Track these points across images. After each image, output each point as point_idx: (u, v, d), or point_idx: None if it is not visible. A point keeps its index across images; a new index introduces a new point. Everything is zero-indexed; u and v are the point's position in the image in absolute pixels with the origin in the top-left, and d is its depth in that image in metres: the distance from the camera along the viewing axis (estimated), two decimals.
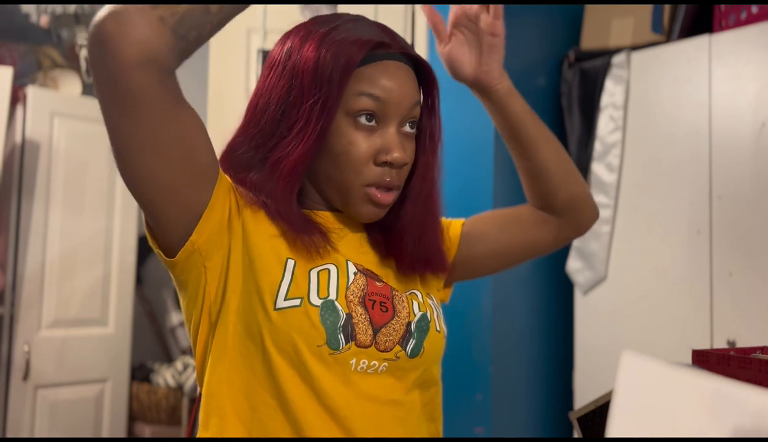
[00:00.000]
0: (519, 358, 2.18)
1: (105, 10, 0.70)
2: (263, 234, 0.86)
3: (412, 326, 0.89)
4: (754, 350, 0.98)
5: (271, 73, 0.90)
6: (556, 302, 2.28)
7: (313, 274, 0.86)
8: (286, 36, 0.92)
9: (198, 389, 0.91)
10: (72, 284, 2.72)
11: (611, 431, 0.44)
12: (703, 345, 1.84)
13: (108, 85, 0.71)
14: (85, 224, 2.77)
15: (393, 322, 0.88)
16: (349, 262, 0.89)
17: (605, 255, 2.10)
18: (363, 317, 0.85)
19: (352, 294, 0.86)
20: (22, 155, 2.63)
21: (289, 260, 0.85)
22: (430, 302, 0.96)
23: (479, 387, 2.05)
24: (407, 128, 0.90)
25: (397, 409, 0.88)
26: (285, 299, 0.82)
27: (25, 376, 2.58)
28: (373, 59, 0.87)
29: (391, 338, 0.87)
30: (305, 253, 0.87)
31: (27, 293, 2.61)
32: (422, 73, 0.94)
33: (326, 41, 0.87)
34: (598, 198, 2.12)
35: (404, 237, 0.95)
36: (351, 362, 0.84)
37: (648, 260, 2.02)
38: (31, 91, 2.66)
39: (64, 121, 2.72)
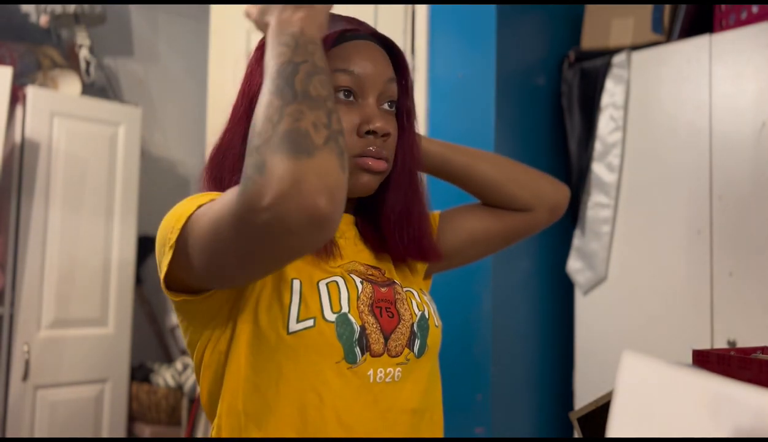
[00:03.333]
0: (519, 358, 2.18)
1: (320, 182, 0.63)
2: None
3: (415, 327, 0.91)
4: (754, 350, 0.98)
5: (252, 72, 0.90)
6: (556, 302, 2.28)
7: (323, 287, 0.85)
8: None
9: (208, 419, 0.90)
10: (72, 284, 2.72)
11: (611, 431, 0.44)
12: (703, 345, 1.84)
13: (287, 244, 0.67)
14: (85, 224, 2.77)
15: (400, 326, 0.89)
16: (352, 274, 0.89)
17: (605, 255, 2.10)
18: (374, 326, 0.86)
19: (362, 304, 0.86)
20: (21, 155, 2.63)
21: (294, 280, 0.84)
22: (425, 298, 0.97)
23: (479, 387, 2.05)
24: (386, 106, 0.91)
25: (414, 417, 0.89)
26: (297, 322, 0.82)
27: (25, 376, 2.58)
28: (344, 40, 0.89)
29: (400, 342, 0.88)
30: (313, 264, 0.87)
31: (27, 293, 2.60)
32: (393, 54, 0.95)
33: None
34: (598, 198, 2.12)
35: (391, 224, 0.95)
36: (369, 373, 0.84)
37: (648, 260, 2.02)
38: (31, 91, 2.66)
39: (63, 121, 2.72)
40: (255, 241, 0.67)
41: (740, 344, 1.78)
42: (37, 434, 2.60)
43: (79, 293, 2.74)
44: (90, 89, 3.00)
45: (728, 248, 1.84)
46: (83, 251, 2.76)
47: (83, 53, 2.98)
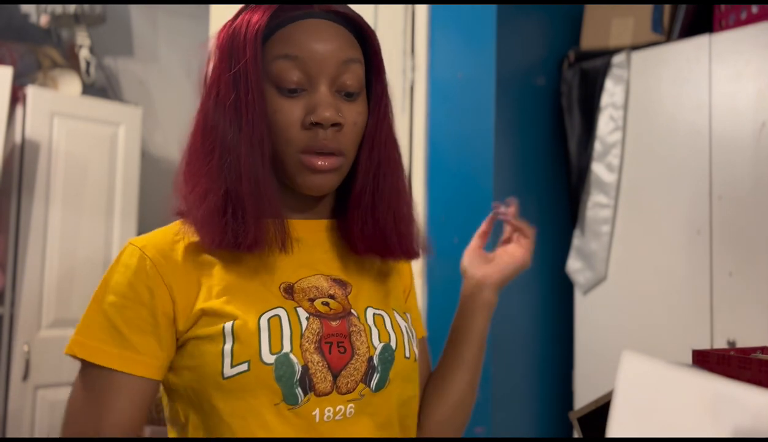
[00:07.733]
0: (519, 358, 2.18)
1: None
2: (195, 301, 0.81)
3: (375, 360, 0.83)
4: (754, 350, 0.98)
5: (209, 81, 0.85)
6: (556, 302, 2.28)
7: (264, 323, 0.79)
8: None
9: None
10: (72, 284, 2.72)
11: (611, 431, 0.44)
12: (703, 345, 1.84)
13: None
14: (85, 223, 2.77)
15: (353, 361, 0.82)
16: (298, 308, 0.82)
17: (605, 255, 2.10)
18: (320, 364, 0.79)
19: (307, 341, 0.79)
20: (22, 155, 2.63)
21: (225, 325, 0.78)
22: (400, 323, 0.89)
23: (479, 387, 2.05)
24: (349, 89, 0.82)
25: None
26: (231, 367, 0.77)
27: (25, 376, 2.58)
28: (292, 21, 0.81)
29: (353, 377, 0.81)
30: (260, 281, 0.82)
31: (27, 293, 2.61)
32: (360, 33, 0.86)
33: (239, 17, 0.83)
34: (598, 198, 2.12)
35: (354, 216, 0.87)
36: (314, 413, 0.79)
37: (648, 260, 2.02)
38: (31, 91, 2.66)
39: (64, 121, 2.72)
40: None
41: (740, 344, 1.78)
42: (37, 434, 2.60)
43: (79, 293, 2.74)
44: (90, 89, 3.00)
45: (728, 248, 1.84)
46: (83, 251, 2.76)
47: (83, 53, 2.98)
